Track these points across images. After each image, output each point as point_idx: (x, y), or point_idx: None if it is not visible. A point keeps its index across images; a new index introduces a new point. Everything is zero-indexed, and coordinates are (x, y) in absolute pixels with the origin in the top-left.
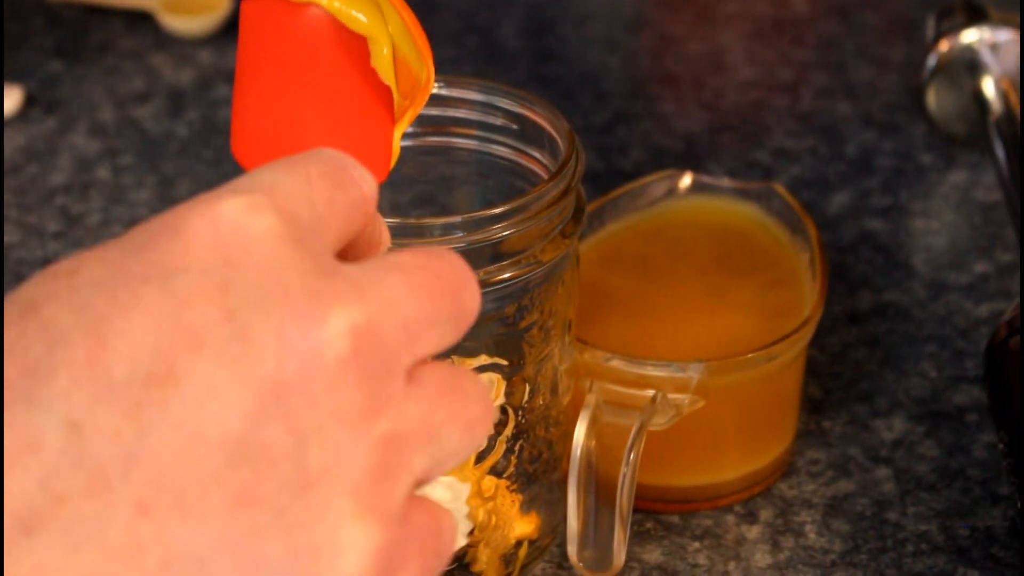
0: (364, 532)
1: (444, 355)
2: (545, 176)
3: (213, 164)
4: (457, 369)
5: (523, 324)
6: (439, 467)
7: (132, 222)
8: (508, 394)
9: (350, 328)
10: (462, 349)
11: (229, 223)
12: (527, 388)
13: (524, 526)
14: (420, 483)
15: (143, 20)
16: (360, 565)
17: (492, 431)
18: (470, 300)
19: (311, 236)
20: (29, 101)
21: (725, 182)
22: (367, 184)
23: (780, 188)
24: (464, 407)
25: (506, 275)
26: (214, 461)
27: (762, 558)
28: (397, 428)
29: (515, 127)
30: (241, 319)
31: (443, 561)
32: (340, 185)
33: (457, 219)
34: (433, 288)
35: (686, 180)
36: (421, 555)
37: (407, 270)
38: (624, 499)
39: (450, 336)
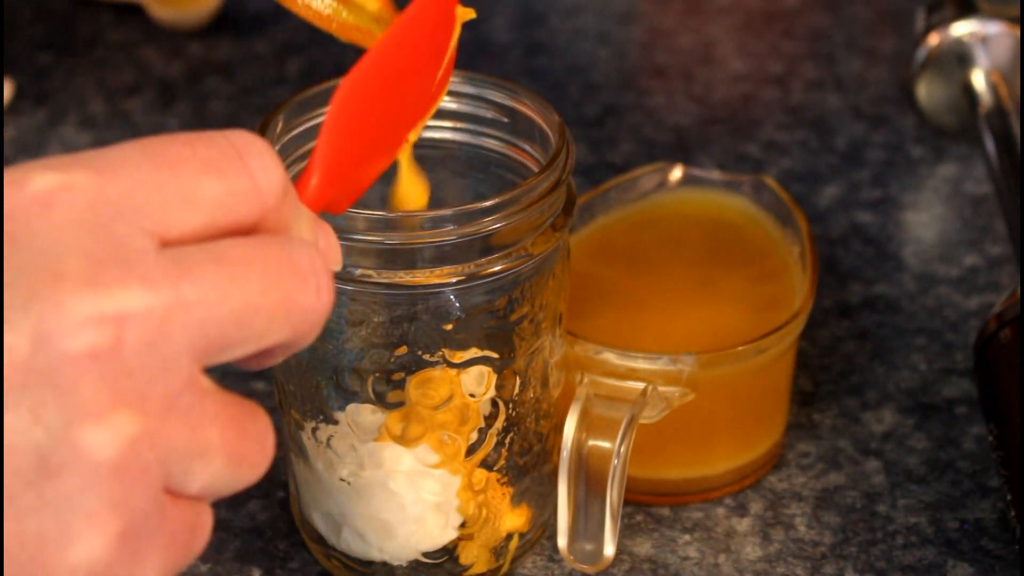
0: (100, 524)
1: (436, 347)
2: (536, 169)
3: None
4: (249, 405)
5: (514, 317)
6: (198, 485)
7: None
8: (499, 387)
9: (115, 315)
10: (452, 342)
11: (26, 199)
12: (518, 381)
13: (514, 519)
14: (177, 490)
15: (133, 12)
16: (93, 554)
17: (259, 477)
18: (308, 300)
19: (128, 221)
20: (19, 93)
21: (715, 175)
22: (265, 176)
23: (770, 181)
24: (239, 441)
25: (497, 268)
26: None
27: (752, 551)
28: (153, 431)
29: (506, 120)
30: (5, 302)
31: (193, 555)
32: (219, 172)
33: (448, 212)
34: (253, 282)
35: (676, 173)
36: (170, 550)
37: (227, 260)
38: (615, 492)
39: (274, 336)
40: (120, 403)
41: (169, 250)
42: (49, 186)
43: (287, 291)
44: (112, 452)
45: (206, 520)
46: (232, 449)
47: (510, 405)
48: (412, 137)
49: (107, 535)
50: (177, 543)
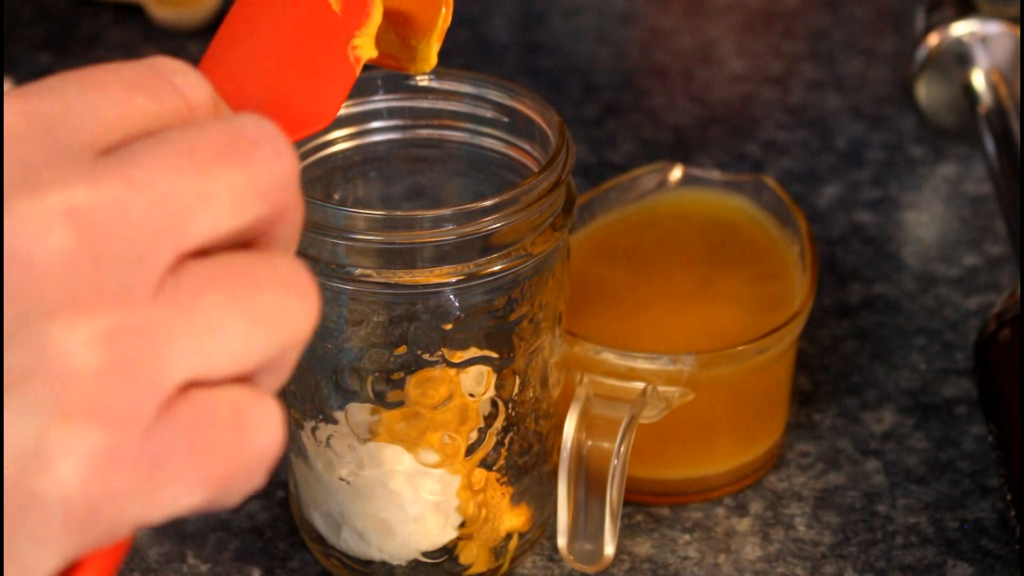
0: (79, 436)
1: (435, 347)
2: (535, 169)
3: None
4: (258, 255)
5: (513, 317)
6: (226, 363)
7: None
8: (498, 387)
9: (65, 211)
10: (452, 341)
11: None
12: (517, 381)
13: (514, 519)
14: (200, 379)
15: (133, 12)
16: (77, 471)
17: (309, 326)
18: (266, 164)
19: (64, 131)
20: None
21: (715, 175)
22: (193, 91)
23: (770, 181)
24: (254, 295)
25: (496, 268)
26: None
27: (752, 551)
28: (136, 324)
29: (505, 120)
30: None
31: (247, 457)
32: (148, 91)
33: (447, 212)
34: (205, 158)
35: (676, 173)
36: (198, 455)
37: (174, 143)
38: (614, 492)
39: (242, 211)
40: (89, 301)
41: (109, 154)
42: None
43: (244, 160)
44: (83, 353)
45: (260, 413)
46: (248, 307)
47: (510, 405)
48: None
49: (90, 446)
50: (211, 449)
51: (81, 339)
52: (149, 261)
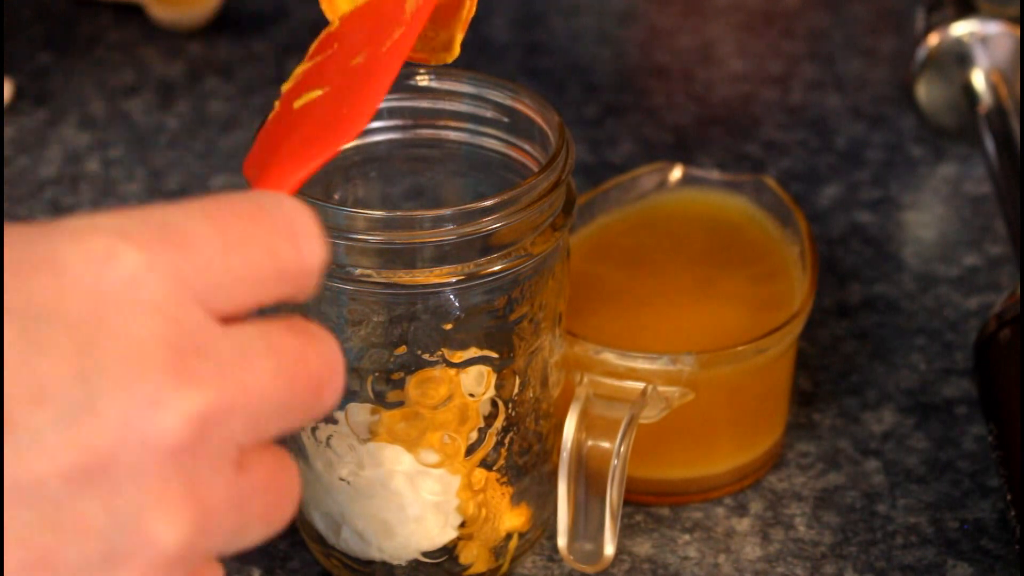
0: None
1: (435, 347)
2: (535, 169)
3: (203, 156)
4: (283, 461)
5: (513, 317)
6: (234, 549)
7: None
8: (498, 387)
9: (197, 416)
10: (452, 341)
11: (115, 277)
12: (517, 381)
13: (514, 519)
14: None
15: (133, 12)
16: None
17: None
18: (329, 397)
19: (199, 302)
20: (19, 93)
21: (715, 175)
22: (313, 258)
23: (770, 181)
24: (274, 511)
25: (496, 268)
26: (24, 518)
27: (752, 551)
28: (211, 516)
29: (505, 120)
30: (92, 386)
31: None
32: (275, 254)
33: (447, 212)
34: (298, 381)
35: (676, 173)
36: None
37: (280, 356)
38: (614, 492)
39: (296, 423)
40: (189, 495)
41: (232, 334)
42: (137, 265)
43: (319, 389)
44: (176, 542)
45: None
46: (269, 519)
47: (510, 405)
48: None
49: None
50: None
51: (178, 532)
52: (228, 459)
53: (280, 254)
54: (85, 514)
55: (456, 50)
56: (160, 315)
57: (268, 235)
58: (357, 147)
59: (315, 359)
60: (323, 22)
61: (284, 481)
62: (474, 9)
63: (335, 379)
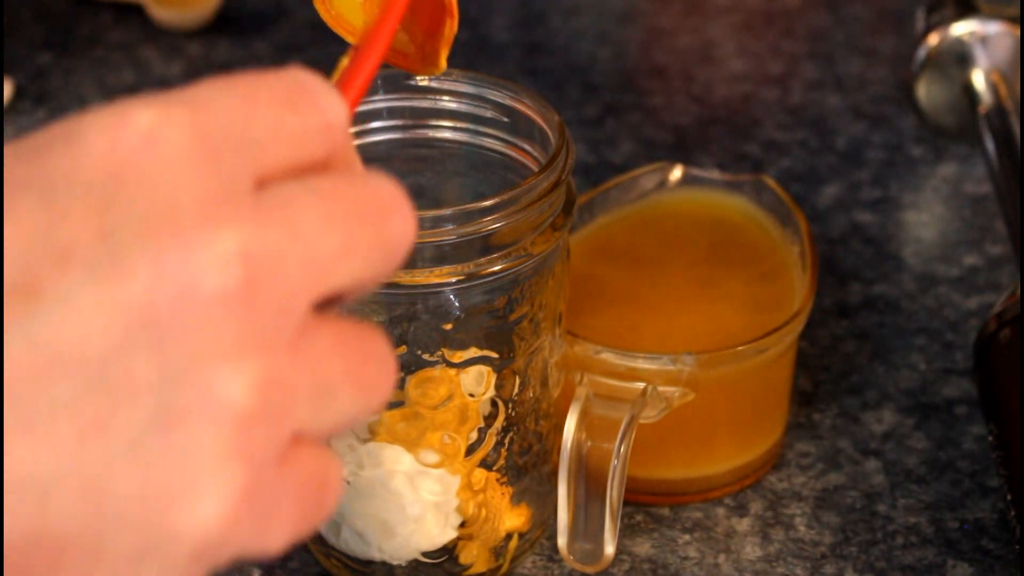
0: (227, 476)
1: (435, 347)
2: (535, 168)
3: None
4: (363, 327)
5: (513, 317)
6: (327, 424)
7: None
8: (498, 387)
9: (240, 253)
10: (452, 341)
11: (131, 136)
12: (517, 381)
13: (514, 519)
14: (305, 434)
15: (133, 12)
16: (220, 510)
17: (389, 398)
18: (398, 230)
19: (230, 157)
20: (19, 93)
21: (715, 175)
22: (334, 111)
23: (770, 181)
24: (362, 367)
25: (496, 268)
26: (70, 385)
27: (752, 551)
28: (280, 373)
29: (505, 119)
30: (117, 239)
31: (323, 513)
32: (294, 108)
33: (447, 212)
34: (351, 216)
35: (676, 173)
36: (298, 504)
37: (325, 196)
38: (614, 492)
39: (371, 269)
40: (248, 344)
41: (269, 188)
42: (151, 122)
43: (380, 222)
44: (242, 396)
45: (335, 475)
46: (357, 377)
47: (509, 405)
48: None
49: (235, 487)
50: (306, 500)
51: (242, 384)
52: (293, 313)
53: (299, 107)
54: (133, 372)
55: (442, 64)
56: (182, 166)
57: (284, 91)
58: (357, 147)
59: (367, 193)
60: (323, 23)
61: (366, 345)
62: (456, 27)
63: (397, 210)
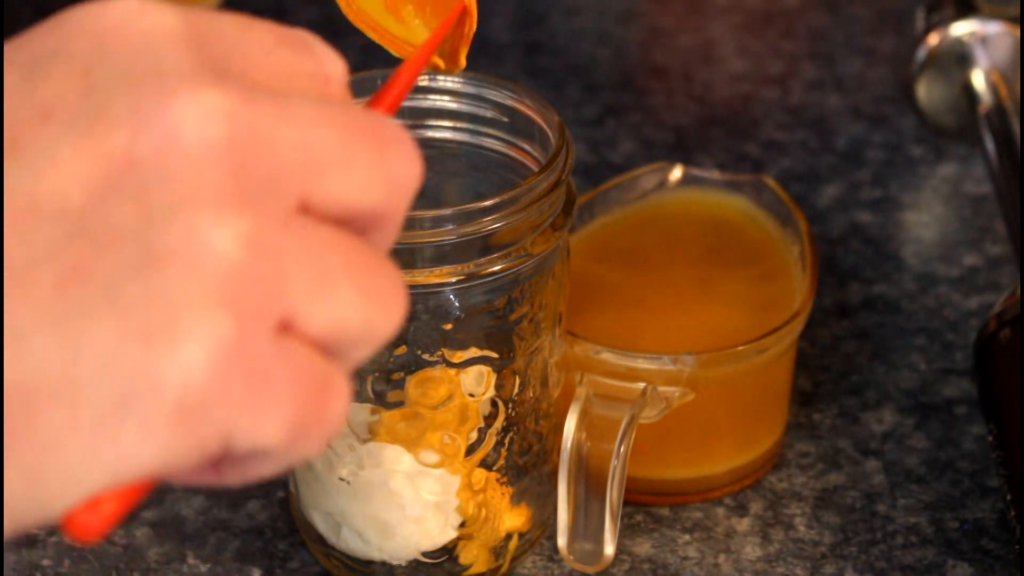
0: (213, 324)
1: (435, 347)
2: (535, 168)
3: None
4: (376, 252)
5: (513, 317)
6: (326, 318)
7: None
8: (498, 387)
9: (225, 112)
10: (452, 341)
11: (116, 15)
12: (517, 381)
13: (514, 519)
14: (303, 321)
15: None
16: (205, 356)
17: (396, 328)
18: (401, 162)
19: (218, 47)
20: None
21: (715, 175)
22: (331, 64)
23: (770, 181)
24: (367, 275)
25: (496, 268)
26: (49, 234)
27: (752, 550)
28: (269, 237)
29: (505, 119)
30: (99, 95)
31: (326, 416)
32: (289, 46)
33: (447, 212)
34: (351, 128)
35: (676, 173)
36: (295, 388)
37: (323, 104)
38: (614, 492)
39: (372, 195)
40: (234, 198)
41: (263, 88)
42: (138, 5)
43: (381, 144)
44: (226, 246)
45: (340, 384)
46: (360, 280)
47: (509, 405)
48: None
49: (221, 337)
50: (306, 390)
51: (226, 233)
52: (283, 192)
53: (294, 47)
54: (114, 219)
55: (463, 62)
56: (168, 41)
57: (283, 32)
58: None
59: (370, 119)
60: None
61: (371, 258)
62: (475, 26)
63: (400, 143)
